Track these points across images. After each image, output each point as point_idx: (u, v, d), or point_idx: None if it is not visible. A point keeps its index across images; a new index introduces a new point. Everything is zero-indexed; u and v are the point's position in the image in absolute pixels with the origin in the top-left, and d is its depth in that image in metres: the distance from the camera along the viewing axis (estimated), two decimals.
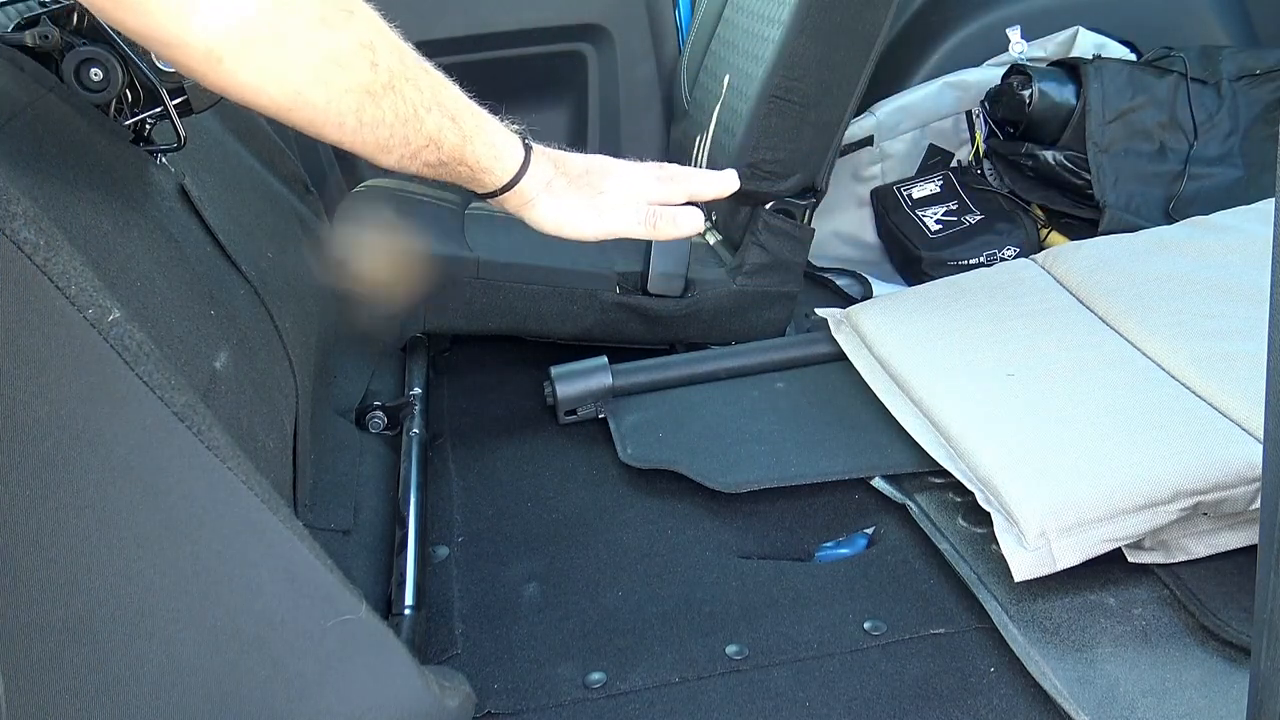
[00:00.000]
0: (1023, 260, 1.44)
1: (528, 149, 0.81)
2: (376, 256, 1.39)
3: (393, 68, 0.68)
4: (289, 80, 0.64)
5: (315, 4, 0.64)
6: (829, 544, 1.10)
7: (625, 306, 1.41)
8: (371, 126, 0.69)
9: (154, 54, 0.61)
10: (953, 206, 1.75)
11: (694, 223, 0.84)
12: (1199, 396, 1.07)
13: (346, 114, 0.67)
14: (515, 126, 0.82)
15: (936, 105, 1.83)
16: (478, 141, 0.76)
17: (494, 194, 0.81)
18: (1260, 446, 0.57)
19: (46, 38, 0.80)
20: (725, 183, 0.87)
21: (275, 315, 0.94)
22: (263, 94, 0.64)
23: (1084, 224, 1.70)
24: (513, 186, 0.80)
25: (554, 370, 1.31)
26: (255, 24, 0.61)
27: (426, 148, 0.73)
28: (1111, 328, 1.22)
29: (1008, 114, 1.76)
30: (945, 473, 1.08)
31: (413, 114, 0.71)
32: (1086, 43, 1.85)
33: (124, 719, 0.51)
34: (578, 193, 0.83)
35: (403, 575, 1.01)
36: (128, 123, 0.84)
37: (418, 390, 1.33)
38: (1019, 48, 1.85)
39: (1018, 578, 0.95)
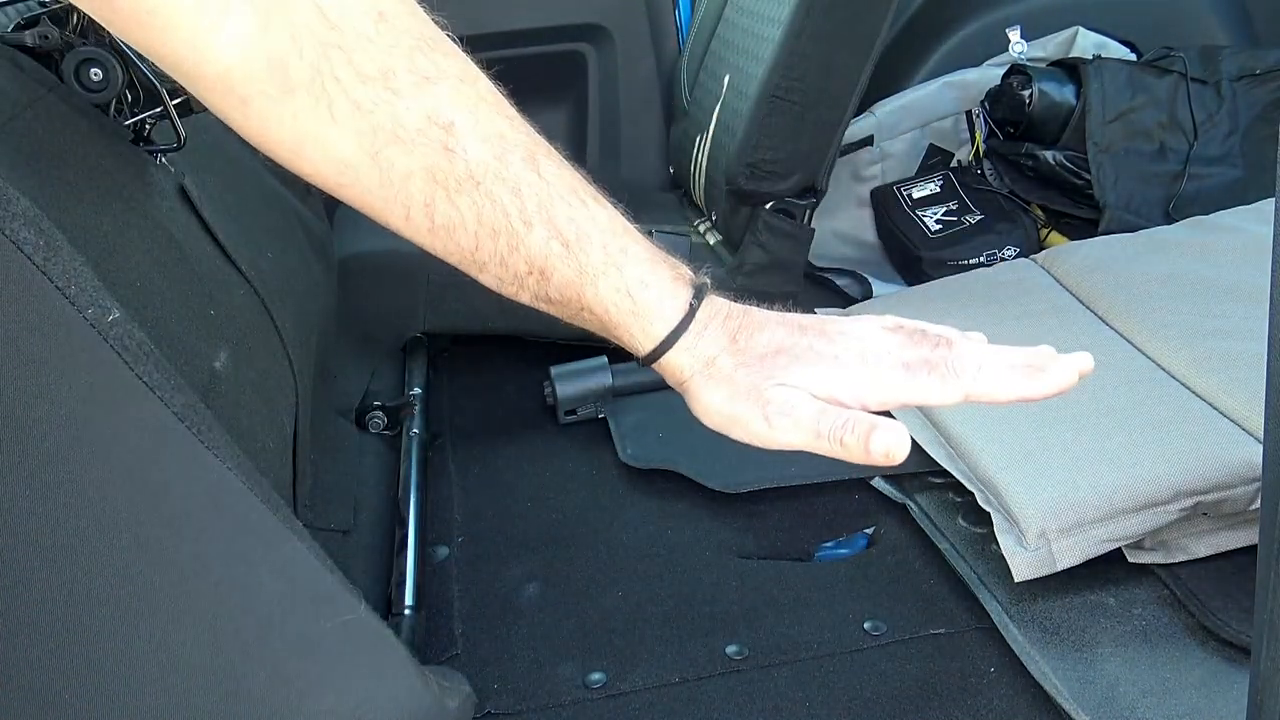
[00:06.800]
0: (1023, 260, 1.44)
1: (691, 309, 0.58)
2: (376, 256, 1.39)
3: (482, 160, 0.53)
4: (331, 147, 0.51)
5: (377, 57, 0.50)
6: (829, 544, 1.09)
7: None
8: (447, 229, 0.54)
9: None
10: (953, 206, 1.75)
11: (893, 446, 0.54)
12: (1199, 396, 1.07)
13: (413, 205, 0.54)
14: (696, 275, 0.60)
15: (936, 105, 1.83)
16: (605, 283, 0.56)
17: (642, 360, 0.59)
18: (1260, 446, 0.57)
19: (46, 38, 0.79)
20: (1057, 379, 0.55)
21: (275, 315, 0.94)
22: (300, 157, 0.52)
23: (1084, 224, 1.69)
24: (658, 357, 0.58)
25: (554, 370, 1.31)
26: (285, 66, 0.49)
27: (530, 275, 0.57)
28: (1111, 328, 1.22)
29: (1008, 114, 1.76)
30: (945, 473, 1.08)
31: (506, 225, 0.55)
32: (1086, 43, 1.85)
33: (123, 719, 0.51)
34: (749, 381, 0.57)
35: (402, 575, 1.01)
36: (128, 123, 0.84)
37: (418, 390, 1.33)
38: (1019, 48, 1.85)
39: (1018, 578, 0.95)
